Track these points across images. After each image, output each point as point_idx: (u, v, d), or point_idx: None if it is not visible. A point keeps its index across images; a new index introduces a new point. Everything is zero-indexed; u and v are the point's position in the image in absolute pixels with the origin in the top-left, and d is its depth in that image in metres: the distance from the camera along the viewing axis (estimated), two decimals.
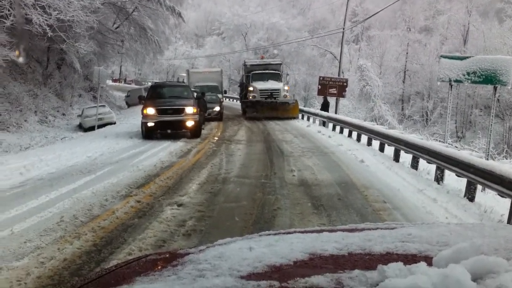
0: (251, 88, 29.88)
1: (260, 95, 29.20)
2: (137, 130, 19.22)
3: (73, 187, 9.17)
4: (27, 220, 6.86)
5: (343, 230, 1.93)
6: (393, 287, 1.13)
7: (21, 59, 17.38)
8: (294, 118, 28.14)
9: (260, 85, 29.68)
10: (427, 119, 50.68)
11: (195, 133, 18.01)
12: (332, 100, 30.91)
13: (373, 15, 42.84)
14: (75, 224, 6.71)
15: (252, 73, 31.22)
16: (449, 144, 14.57)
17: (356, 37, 71.33)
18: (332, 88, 29.25)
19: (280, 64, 34.24)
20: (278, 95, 29.29)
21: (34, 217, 7.03)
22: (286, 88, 30.51)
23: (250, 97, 29.54)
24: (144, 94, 21.61)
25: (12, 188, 9.28)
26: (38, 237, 6.08)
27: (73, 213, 7.20)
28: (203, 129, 20.25)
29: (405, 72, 55.89)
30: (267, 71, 31.36)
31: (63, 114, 28.74)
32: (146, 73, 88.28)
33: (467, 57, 14.47)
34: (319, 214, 7.51)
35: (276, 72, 31.75)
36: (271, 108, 28.19)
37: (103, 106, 27.65)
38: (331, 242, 1.69)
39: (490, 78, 13.53)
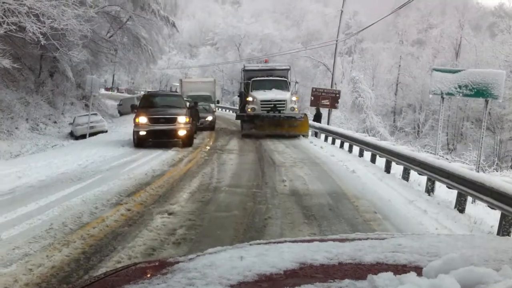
0: (250, 99, 24.63)
1: (262, 107, 23.91)
2: (128, 139, 19.16)
3: (63, 194, 9.11)
4: (16, 227, 6.80)
5: (333, 240, 1.93)
6: None
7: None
8: (304, 136, 23.47)
9: (262, 94, 24.42)
10: (418, 131, 50.96)
11: (187, 142, 17.99)
12: (324, 111, 30.88)
13: (366, 28, 43.07)
14: (64, 231, 6.66)
15: (253, 80, 25.87)
16: (440, 156, 14.63)
17: (349, 49, 71.76)
18: (324, 99, 29.09)
19: (288, 69, 28.06)
20: (283, 107, 23.97)
21: (23, 224, 6.97)
22: (294, 99, 25.02)
23: (249, 110, 24.09)
24: (137, 103, 21.57)
25: (2, 194, 9.20)
26: (26, 244, 6.03)
27: (63, 221, 7.15)
28: (195, 138, 20.22)
29: (397, 84, 56.25)
30: (271, 78, 26.09)
31: (55, 122, 28.62)
32: (139, 82, 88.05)
33: (459, 71, 14.59)
34: (310, 224, 7.50)
35: (283, 79, 26.27)
36: (273, 124, 23.15)
37: (95, 114, 27.55)
38: (321, 252, 1.69)
39: (481, 92, 13.64)
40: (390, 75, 56.77)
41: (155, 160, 14.40)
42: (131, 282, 1.48)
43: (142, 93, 42.77)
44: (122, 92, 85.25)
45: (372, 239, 1.98)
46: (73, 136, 25.93)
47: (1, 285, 4.72)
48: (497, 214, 8.23)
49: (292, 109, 24.27)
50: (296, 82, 27.27)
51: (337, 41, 34.67)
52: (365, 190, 10.63)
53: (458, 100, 42.47)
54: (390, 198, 9.95)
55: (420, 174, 11.76)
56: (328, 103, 29.14)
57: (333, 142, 21.76)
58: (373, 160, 15.80)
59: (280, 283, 1.38)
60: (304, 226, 7.40)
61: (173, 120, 17.57)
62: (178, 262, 1.67)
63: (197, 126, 22.96)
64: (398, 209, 9.01)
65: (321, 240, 1.95)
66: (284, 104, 24.07)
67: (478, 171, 12.03)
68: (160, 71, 77.08)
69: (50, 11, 18.85)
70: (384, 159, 14.42)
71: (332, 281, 1.35)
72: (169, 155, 15.66)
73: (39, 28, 18.55)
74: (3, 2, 17.28)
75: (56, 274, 5.08)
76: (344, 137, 19.81)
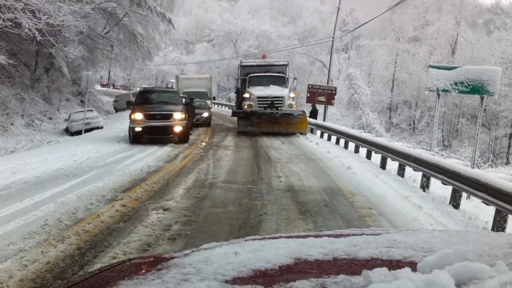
0: (247, 95, 24.11)
1: (258, 104, 23.28)
2: (124, 135, 19.13)
3: (58, 190, 9.09)
4: (11, 223, 6.78)
5: (328, 236, 1.93)
6: None
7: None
8: (302, 134, 22.88)
9: (259, 91, 23.79)
10: (414, 127, 51.05)
11: (183, 138, 17.98)
12: (320, 108, 30.86)
13: (362, 25, 43.12)
14: (59, 227, 6.64)
15: (250, 76, 25.29)
16: (435, 152, 14.68)
17: (346, 46, 71.94)
18: (321, 96, 29.05)
19: (286, 65, 27.61)
20: (281, 104, 23.38)
21: (18, 220, 6.95)
22: (292, 95, 24.54)
23: (245, 106, 23.63)
24: (133, 99, 21.53)
25: None
26: (21, 240, 6.01)
27: (58, 217, 7.13)
28: (191, 134, 20.21)
29: (393, 81, 56.28)
30: (268, 74, 25.46)
31: (50, 118, 28.57)
32: (135, 78, 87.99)
33: (455, 67, 14.63)
34: (305, 220, 7.51)
35: (280, 75, 25.67)
36: (271, 121, 22.50)
37: (91, 110, 27.48)
38: (316, 247, 1.69)
39: (477, 88, 13.67)
40: (386, 71, 56.83)
41: (150, 156, 14.38)
42: (126, 278, 1.48)
43: (138, 89, 42.68)
44: (118, 89, 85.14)
45: (367, 234, 1.98)
46: (69, 132, 25.87)
47: None
48: (491, 210, 8.28)
49: (290, 105, 23.63)
50: (294, 79, 26.70)
51: (333, 38, 34.67)
52: (361, 186, 10.65)
53: (454, 97, 42.57)
54: (385, 194, 9.97)
55: (415, 170, 11.78)
56: (324, 99, 29.11)
57: (329, 139, 21.78)
58: (368, 156, 15.84)
59: (275, 278, 1.38)
60: (299, 222, 7.41)
61: (169, 117, 17.55)
62: (173, 258, 1.67)
63: (193, 122, 22.94)
64: (393, 205, 9.03)
65: (316, 236, 1.95)
66: (281, 100, 23.43)
67: (473, 167, 12.06)
68: (156, 68, 77.06)
69: (46, 7, 18.80)
70: (379, 155, 14.46)
71: (327, 276, 1.35)
72: (164, 151, 15.65)
73: (35, 24, 18.49)
74: None
75: (51, 270, 5.06)
76: (340, 134, 19.82)
